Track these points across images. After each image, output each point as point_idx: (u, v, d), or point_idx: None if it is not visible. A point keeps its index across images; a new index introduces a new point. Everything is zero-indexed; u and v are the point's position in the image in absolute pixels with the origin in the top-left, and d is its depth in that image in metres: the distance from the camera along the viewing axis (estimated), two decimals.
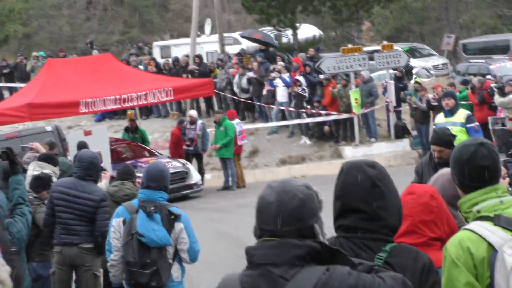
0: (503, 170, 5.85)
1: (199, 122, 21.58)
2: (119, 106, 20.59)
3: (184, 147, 21.48)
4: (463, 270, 3.46)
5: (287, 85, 24.40)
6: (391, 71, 24.37)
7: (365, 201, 3.34)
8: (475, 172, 3.62)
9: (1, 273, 3.19)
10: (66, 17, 48.28)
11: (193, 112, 22.25)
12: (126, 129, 22.43)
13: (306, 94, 24.13)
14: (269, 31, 32.29)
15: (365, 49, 28.08)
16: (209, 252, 12.57)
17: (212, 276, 11.62)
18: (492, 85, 21.74)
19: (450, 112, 11.87)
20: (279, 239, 2.81)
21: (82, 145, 15.34)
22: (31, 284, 8.01)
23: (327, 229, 2.94)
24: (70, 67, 21.34)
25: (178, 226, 6.71)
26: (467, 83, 22.93)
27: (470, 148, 3.65)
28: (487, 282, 3.45)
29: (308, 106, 24.13)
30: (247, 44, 31.46)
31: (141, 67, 28.33)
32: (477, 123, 12.11)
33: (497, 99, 20.68)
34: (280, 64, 25.74)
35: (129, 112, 23.77)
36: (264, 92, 25.23)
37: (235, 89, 26.27)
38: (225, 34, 32.74)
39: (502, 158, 5.89)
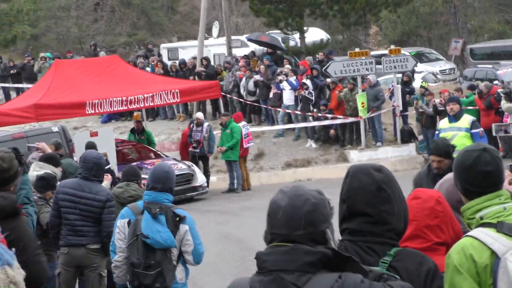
0: (509, 176, 5.82)
1: (206, 124, 21.58)
2: (126, 108, 20.61)
3: (190, 149, 21.48)
4: (466, 277, 3.45)
5: (293, 88, 24.40)
6: (398, 75, 24.33)
7: (371, 204, 3.33)
8: (478, 178, 3.61)
9: (16, 275, 3.21)
10: (74, 18, 48.38)
11: (199, 114, 22.25)
12: (132, 131, 22.45)
13: (313, 98, 24.12)
14: (276, 34, 32.30)
15: (372, 53, 28.09)
16: (213, 254, 12.57)
17: (216, 278, 11.62)
18: (499, 90, 21.72)
19: (455, 117, 11.85)
20: (291, 244, 2.80)
21: (90, 146, 15.37)
22: None
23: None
24: (77, 68, 21.37)
25: (183, 228, 6.71)
26: (474, 88, 22.91)
27: (473, 153, 3.65)
28: None
29: (315, 110, 24.12)
30: (255, 47, 31.46)
31: (148, 69, 28.35)
32: (481, 129, 12.09)
33: (504, 104, 20.66)
34: (287, 67, 25.75)
35: (135, 113, 23.79)
36: (271, 95, 25.24)
37: (242, 91, 26.28)
38: (233, 37, 32.75)
39: (508, 163, 5.87)
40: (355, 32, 41.50)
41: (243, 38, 34.45)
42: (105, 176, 9.49)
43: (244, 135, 21.18)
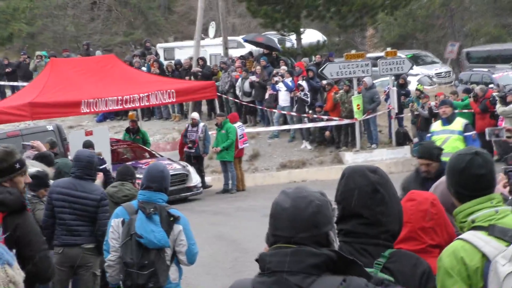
0: (504, 179, 5.82)
1: (201, 124, 21.58)
2: (121, 107, 20.57)
3: (186, 149, 21.48)
4: (456, 280, 3.46)
5: (289, 89, 24.42)
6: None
7: (366, 206, 3.33)
8: (471, 181, 3.62)
9: (15, 275, 3.22)
10: (71, 17, 48.30)
11: (195, 115, 22.24)
12: (127, 130, 22.43)
13: (308, 99, 24.14)
14: (273, 35, 32.31)
15: (369, 55, 28.11)
16: (207, 254, 12.56)
17: (210, 278, 11.61)
18: (494, 94, 21.78)
19: (448, 120, 11.84)
20: (295, 246, 2.78)
21: (88, 145, 15.36)
22: None
23: None
24: (73, 67, 21.33)
25: (177, 228, 6.70)
26: (469, 92, 22.95)
27: (466, 157, 3.66)
28: None
29: (310, 111, 24.13)
30: (252, 48, 31.46)
31: (144, 68, 28.34)
32: (474, 132, 12.10)
33: (499, 108, 20.70)
34: (283, 68, 25.76)
35: (130, 113, 23.77)
36: (267, 96, 25.25)
37: (238, 92, 26.29)
38: (229, 38, 32.77)
39: (502, 166, 5.87)
40: (351, 34, 41.53)
41: (240, 39, 34.45)
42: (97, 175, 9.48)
43: (240, 135, 21.18)
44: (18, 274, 3.24)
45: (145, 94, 20.18)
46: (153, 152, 21.74)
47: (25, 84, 27.48)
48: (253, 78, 25.79)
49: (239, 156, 21.52)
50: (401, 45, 41.22)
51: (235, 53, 31.29)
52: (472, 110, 21.95)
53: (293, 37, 32.14)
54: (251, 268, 11.36)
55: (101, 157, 15.81)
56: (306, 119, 24.22)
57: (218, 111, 23.96)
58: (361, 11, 31.60)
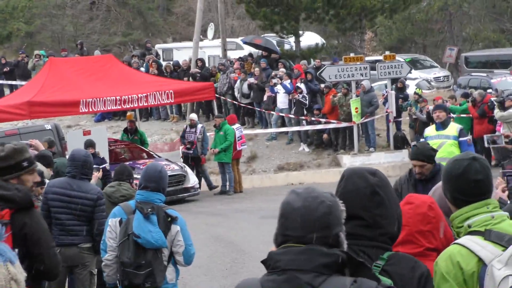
0: (502, 183, 5.83)
1: (200, 125, 21.58)
2: (119, 107, 20.57)
3: (184, 150, 21.47)
4: (452, 284, 3.46)
5: (288, 91, 24.43)
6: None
7: (365, 208, 3.33)
8: (468, 187, 3.63)
9: (17, 273, 3.23)
10: (69, 16, 48.29)
11: (193, 116, 22.23)
12: (125, 131, 22.42)
13: (307, 102, 24.14)
14: (271, 37, 32.31)
15: (367, 58, 28.12)
16: (204, 255, 12.55)
17: (207, 279, 11.60)
18: (492, 99, 21.79)
19: (442, 125, 11.79)
20: (306, 245, 2.78)
21: (89, 144, 15.32)
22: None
23: None
24: (72, 66, 21.34)
25: (174, 228, 6.69)
26: (467, 96, 22.97)
27: (463, 162, 3.66)
28: None
29: (308, 114, 24.14)
30: (251, 50, 31.45)
31: (142, 69, 28.34)
32: (469, 137, 12.08)
33: (497, 113, 20.72)
34: (281, 70, 25.77)
35: (128, 113, 23.76)
36: (265, 98, 25.25)
37: (236, 94, 26.30)
38: (228, 39, 32.76)
39: (499, 171, 5.89)
40: (350, 37, 41.53)
41: (238, 40, 34.47)
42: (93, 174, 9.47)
43: (238, 137, 21.17)
44: (20, 273, 3.24)
45: (144, 94, 20.17)
46: (151, 153, 21.73)
47: (23, 83, 27.48)
48: (251, 80, 25.80)
49: (237, 157, 21.52)
50: (399, 49, 41.29)
51: (233, 54, 31.29)
52: (470, 115, 21.97)
53: (291, 39, 32.17)
54: (248, 269, 11.39)
55: (102, 157, 15.81)
56: (304, 121, 24.23)
57: (216, 112, 23.96)
58: (360, 14, 31.65)
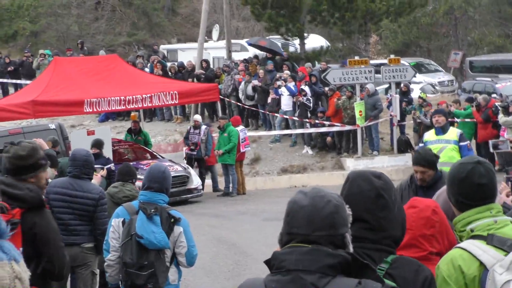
0: (507, 188, 5.82)
1: (204, 127, 21.58)
2: (124, 107, 20.58)
3: (188, 151, 21.48)
4: None
5: (292, 94, 24.42)
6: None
7: (369, 211, 3.33)
8: (472, 190, 3.62)
9: (22, 272, 3.24)
10: (74, 16, 48.36)
11: (197, 117, 22.24)
12: (129, 131, 22.43)
13: (311, 104, 24.15)
14: (276, 39, 32.33)
15: (372, 62, 28.11)
16: (207, 257, 12.55)
17: (209, 281, 11.60)
18: (497, 103, 21.76)
19: (442, 130, 11.74)
20: (311, 245, 2.77)
21: (96, 143, 15.29)
22: None
23: None
24: (76, 66, 21.36)
25: (177, 229, 6.69)
26: (472, 101, 22.94)
27: (468, 166, 3.66)
28: None
29: (312, 116, 24.14)
30: (256, 52, 31.47)
31: (147, 69, 28.36)
32: (469, 142, 12.05)
33: (501, 118, 20.71)
34: (286, 73, 25.77)
35: (132, 113, 23.77)
36: (269, 100, 25.25)
37: (240, 95, 26.30)
38: (233, 41, 32.78)
39: (503, 175, 5.88)
40: (355, 41, 41.51)
41: (243, 42, 34.49)
42: (94, 175, 9.47)
43: (242, 139, 21.17)
44: (24, 271, 3.24)
45: (148, 95, 20.18)
46: (155, 153, 21.73)
47: (28, 82, 27.51)
48: (255, 82, 25.80)
49: (240, 159, 21.52)
50: (404, 53, 41.22)
51: (238, 56, 31.30)
52: (475, 119, 21.95)
53: (296, 41, 32.19)
54: (251, 271, 11.38)
55: (107, 157, 15.80)
56: (308, 124, 24.23)
57: (220, 114, 23.97)
58: (365, 17, 31.69)
